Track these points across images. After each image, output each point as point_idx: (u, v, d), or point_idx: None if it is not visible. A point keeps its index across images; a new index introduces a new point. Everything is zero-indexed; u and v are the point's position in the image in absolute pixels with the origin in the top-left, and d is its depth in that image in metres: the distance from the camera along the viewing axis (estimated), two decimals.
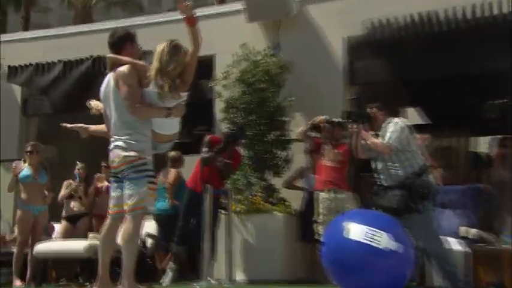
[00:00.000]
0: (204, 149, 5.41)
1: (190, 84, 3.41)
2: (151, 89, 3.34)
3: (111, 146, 3.45)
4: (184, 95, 3.40)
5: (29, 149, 5.87)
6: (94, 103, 3.72)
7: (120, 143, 3.39)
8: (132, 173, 3.36)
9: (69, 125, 3.97)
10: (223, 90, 6.34)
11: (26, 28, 12.47)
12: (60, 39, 8.14)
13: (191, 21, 3.29)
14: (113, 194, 3.50)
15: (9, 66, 7.86)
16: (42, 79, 7.70)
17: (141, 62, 3.43)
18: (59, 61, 7.67)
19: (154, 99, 3.35)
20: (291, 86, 6.40)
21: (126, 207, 3.38)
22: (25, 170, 5.79)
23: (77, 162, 6.69)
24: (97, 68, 7.34)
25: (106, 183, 6.66)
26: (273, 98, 6.22)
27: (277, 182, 6.15)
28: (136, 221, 3.35)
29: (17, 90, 8.17)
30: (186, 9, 3.27)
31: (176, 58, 3.32)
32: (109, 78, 3.48)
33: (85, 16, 11.43)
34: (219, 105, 6.54)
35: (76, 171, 6.63)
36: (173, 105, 3.35)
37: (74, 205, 6.59)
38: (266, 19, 6.86)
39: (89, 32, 7.98)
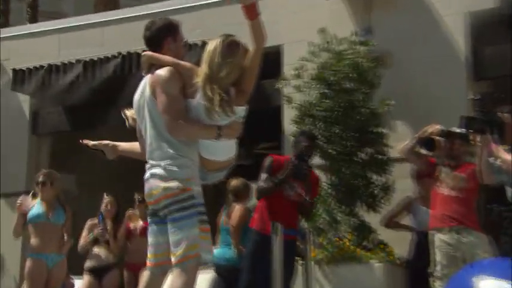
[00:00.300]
0: (263, 175, 5.40)
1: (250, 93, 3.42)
2: (198, 100, 3.38)
3: (147, 174, 3.50)
4: (241, 110, 3.41)
5: (40, 179, 6.06)
6: (131, 112, 3.75)
7: (158, 171, 3.42)
8: (177, 211, 3.37)
9: (91, 142, 3.99)
10: (295, 93, 6.42)
11: (33, 19, 13.21)
12: (79, 31, 8.57)
13: (251, 12, 3.25)
14: (152, 239, 3.53)
15: (14, 70, 8.33)
16: (56, 85, 8.10)
17: (187, 64, 3.47)
18: (78, 61, 8.09)
19: (201, 115, 3.39)
20: (389, 85, 6.40)
21: (172, 258, 3.39)
22: (36, 207, 5.98)
23: (104, 194, 6.98)
24: (127, 68, 7.67)
25: (141, 222, 6.90)
26: (365, 102, 6.23)
27: (373, 218, 6.12)
28: (187, 276, 3.34)
29: (25, 101, 8.62)
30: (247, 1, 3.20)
31: (232, 60, 3.33)
32: (145, 84, 3.54)
33: (109, 1, 11.96)
34: (289, 114, 6.63)
35: (103, 208, 6.92)
36: (225, 123, 3.38)
37: (100, 253, 6.80)
38: None
39: (115, 21, 8.36)
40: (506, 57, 6.53)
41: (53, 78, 8.13)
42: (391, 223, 6.09)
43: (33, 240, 5.94)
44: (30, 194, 6.10)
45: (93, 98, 7.96)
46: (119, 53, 7.84)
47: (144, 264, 7.09)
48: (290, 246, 5.24)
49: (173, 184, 3.39)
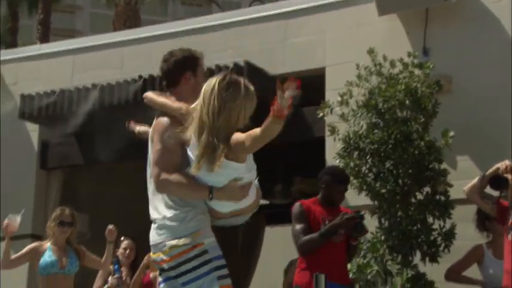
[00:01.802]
0: (298, 226, 5.19)
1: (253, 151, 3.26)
2: (189, 150, 3.30)
3: (152, 227, 3.45)
4: (240, 167, 3.27)
5: (64, 219, 5.87)
6: (142, 129, 3.80)
7: (162, 224, 3.39)
8: (189, 272, 3.32)
9: (138, 128, 3.96)
10: (340, 123, 6.30)
11: (45, 38, 13.36)
12: (95, 52, 8.60)
13: (281, 114, 3.05)
14: None
15: (22, 96, 8.35)
16: (69, 113, 8.10)
17: (175, 106, 3.39)
18: (94, 85, 8.08)
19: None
20: (449, 114, 6.25)
21: None
22: (47, 254, 5.93)
23: (122, 237, 6.87)
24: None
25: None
26: (422, 133, 6.07)
27: (433, 270, 5.91)
28: None
29: (34, 130, 8.63)
30: (285, 100, 2.99)
31: (231, 105, 3.21)
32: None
33: (130, 16, 12.00)
34: (333, 146, 6.50)
35: (119, 253, 6.79)
36: (219, 186, 3.29)
37: None
38: (406, 9, 6.84)
39: (136, 40, 8.38)
40: None
41: (66, 104, 8.13)
42: (456, 277, 5.81)
43: None
44: (18, 215, 5.88)
45: (111, 127, 7.91)
46: (140, 77, 7.83)
47: None
48: None
49: (181, 242, 3.33)
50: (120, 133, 7.91)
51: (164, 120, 3.42)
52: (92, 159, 8.20)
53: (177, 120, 3.39)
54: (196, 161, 3.25)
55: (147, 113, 7.52)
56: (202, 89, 3.31)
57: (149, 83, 7.71)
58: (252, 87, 3.29)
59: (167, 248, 3.36)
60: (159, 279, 3.51)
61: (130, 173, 9.06)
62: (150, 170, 3.47)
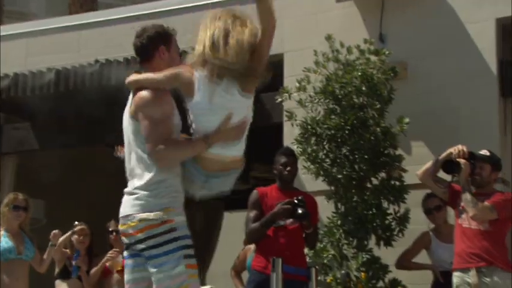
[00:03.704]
0: (251, 214, 5.34)
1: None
2: (201, 92, 3.36)
3: (123, 201, 3.50)
4: (248, 97, 3.42)
5: (18, 203, 5.94)
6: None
7: (134, 199, 3.43)
8: (156, 247, 3.36)
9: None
10: (298, 108, 6.39)
11: None
12: (50, 36, 8.53)
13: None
14: (128, 276, 3.51)
15: None
16: (23, 97, 8.06)
17: (167, 74, 3.44)
18: (49, 69, 8.05)
19: (202, 108, 3.38)
20: (405, 100, 6.37)
21: None
22: (3, 240, 5.87)
23: (76, 222, 6.89)
24: (106, 77, 7.62)
25: (121, 262, 6.79)
26: (378, 119, 6.20)
27: (387, 254, 6.04)
28: None
29: None
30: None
31: (239, 29, 3.31)
32: (129, 102, 3.57)
33: (86, 0, 11.95)
34: (291, 132, 6.58)
35: (75, 238, 6.81)
36: (211, 130, 3.39)
37: None
38: None
39: (93, 24, 8.33)
40: None
41: (20, 89, 8.05)
42: (408, 264, 6.01)
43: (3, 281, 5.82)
44: None
45: (66, 112, 7.89)
46: (97, 61, 7.79)
47: None
48: (295, 287, 5.16)
49: (151, 215, 3.37)
50: (75, 118, 7.96)
51: (145, 93, 3.45)
52: (48, 145, 8.16)
53: (156, 95, 3.43)
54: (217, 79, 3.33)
55: (105, 98, 7.56)
56: (202, 23, 3.42)
57: (106, 67, 7.69)
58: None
59: (136, 220, 3.40)
60: (125, 253, 3.56)
61: (86, 158, 9.09)
62: (135, 146, 3.49)
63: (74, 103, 7.77)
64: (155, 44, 3.58)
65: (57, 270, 6.79)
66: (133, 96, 3.53)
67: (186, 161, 3.49)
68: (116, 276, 6.76)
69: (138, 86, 3.51)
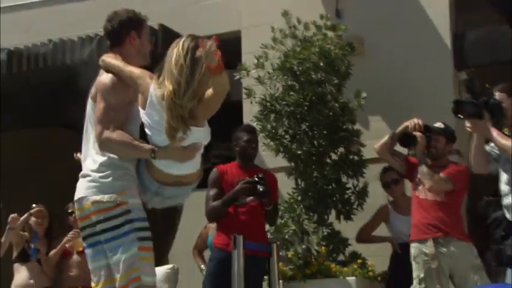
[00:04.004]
0: (211, 192, 5.36)
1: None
2: (152, 111, 3.35)
3: (78, 182, 3.51)
4: (197, 131, 3.36)
5: None
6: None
7: (88, 182, 3.44)
8: (110, 230, 3.38)
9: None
10: (257, 85, 6.41)
11: None
12: (2, 15, 8.38)
13: (217, 70, 3.21)
14: (91, 265, 3.52)
15: None
16: None
17: (135, 72, 3.44)
18: (2, 49, 7.89)
19: (154, 129, 3.36)
20: (362, 76, 6.44)
21: (116, 285, 3.39)
22: None
23: (34, 205, 6.83)
24: (60, 57, 7.51)
25: (81, 242, 6.76)
26: (336, 95, 6.26)
27: (347, 228, 6.14)
28: None
29: None
30: (211, 55, 3.15)
31: (200, 77, 3.26)
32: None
33: None
34: (250, 110, 6.62)
35: (33, 221, 6.75)
36: (162, 145, 3.38)
37: (30, 274, 6.71)
38: None
39: (46, 2, 8.19)
40: (493, 42, 6.63)
41: None
42: (367, 237, 6.12)
43: None
44: None
45: (19, 93, 7.77)
46: (50, 40, 7.68)
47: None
48: (257, 263, 5.22)
49: (105, 198, 3.39)
50: (28, 99, 7.84)
51: (108, 78, 3.47)
52: (3, 126, 8.02)
53: (118, 82, 3.45)
54: (171, 131, 3.30)
55: (57, 78, 7.44)
56: (170, 56, 3.34)
57: (59, 46, 7.59)
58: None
59: (90, 203, 3.42)
60: (84, 243, 3.58)
61: (41, 140, 8.99)
62: (91, 128, 3.51)
63: (28, 84, 7.66)
64: (126, 29, 3.60)
65: (15, 253, 6.74)
66: (99, 77, 3.55)
67: (140, 168, 3.50)
68: (75, 257, 6.74)
69: (106, 68, 3.53)
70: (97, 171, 3.44)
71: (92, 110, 3.53)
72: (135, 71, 3.47)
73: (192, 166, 3.50)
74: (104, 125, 3.39)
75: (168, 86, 3.31)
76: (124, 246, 3.37)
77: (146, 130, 3.45)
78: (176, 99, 3.29)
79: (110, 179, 3.41)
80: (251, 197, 5.23)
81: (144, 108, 3.40)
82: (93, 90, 3.55)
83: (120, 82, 3.46)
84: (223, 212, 5.28)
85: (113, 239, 3.39)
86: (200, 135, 3.42)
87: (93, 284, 3.55)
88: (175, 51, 3.36)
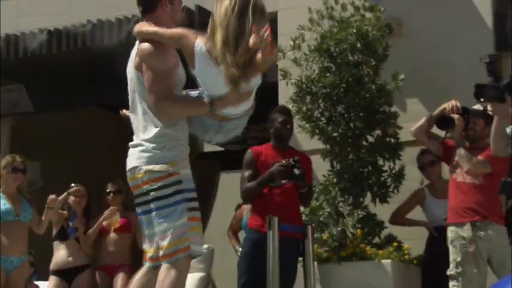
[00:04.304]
0: (245, 173, 5.39)
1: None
2: (210, 67, 3.38)
3: (129, 153, 3.57)
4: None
5: (16, 165, 5.95)
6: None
7: (141, 152, 3.49)
8: (161, 199, 3.43)
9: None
10: (293, 67, 6.41)
11: None
12: None
13: (269, 54, 3.28)
14: (145, 231, 3.58)
15: None
16: (16, 59, 8.04)
17: (174, 33, 3.47)
18: (41, 30, 8.03)
19: (215, 85, 3.41)
20: (399, 57, 6.40)
21: (160, 252, 3.45)
22: (1, 202, 5.95)
23: (72, 184, 6.96)
24: (99, 38, 7.61)
25: (119, 220, 6.88)
26: (373, 77, 6.24)
27: (383, 210, 6.14)
28: (177, 272, 3.38)
29: None
30: (265, 42, 3.22)
31: (250, 28, 3.30)
32: (133, 55, 3.62)
33: None
34: (286, 91, 6.63)
35: (72, 200, 6.87)
36: (219, 97, 3.44)
37: (69, 252, 6.84)
38: None
39: None
40: None
41: (12, 50, 8.04)
42: (402, 220, 6.11)
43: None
44: None
45: (60, 74, 7.89)
46: (89, 21, 7.77)
47: (120, 266, 7.13)
48: (291, 245, 5.25)
49: (157, 168, 3.44)
50: (70, 80, 7.96)
51: (150, 46, 3.49)
52: (42, 107, 8.18)
53: (160, 47, 3.47)
54: (232, 80, 3.36)
55: (97, 59, 7.53)
56: (217, 9, 3.38)
57: (98, 27, 7.68)
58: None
59: (142, 172, 3.48)
60: (137, 210, 3.63)
61: (81, 120, 9.12)
62: (138, 99, 3.54)
63: (67, 64, 7.77)
64: None
65: (54, 231, 6.88)
66: (138, 48, 3.56)
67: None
68: (112, 235, 6.86)
69: (143, 37, 3.55)
70: (149, 141, 3.49)
71: (137, 80, 3.55)
72: (176, 31, 3.50)
73: (246, 106, 3.57)
74: (158, 92, 3.44)
75: (218, 40, 3.35)
76: (174, 215, 3.42)
77: (199, 87, 3.51)
78: (225, 55, 3.33)
79: (162, 149, 3.47)
80: (286, 180, 5.26)
81: (194, 67, 3.44)
82: (135, 59, 3.57)
83: (162, 47, 3.49)
84: (258, 193, 5.32)
85: (163, 207, 3.44)
86: (254, 81, 3.48)
87: (148, 248, 3.60)
88: (224, 5, 3.39)
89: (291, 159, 5.21)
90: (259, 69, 3.37)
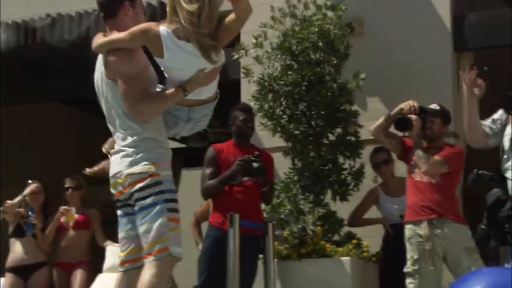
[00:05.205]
0: (207, 171, 5.48)
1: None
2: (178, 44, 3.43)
3: (111, 159, 3.65)
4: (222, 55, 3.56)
5: None
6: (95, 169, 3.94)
7: (122, 154, 3.56)
8: (141, 199, 3.51)
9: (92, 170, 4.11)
10: (255, 65, 6.48)
11: None
12: None
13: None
14: (123, 234, 3.65)
15: None
16: None
17: (132, 33, 3.50)
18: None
19: (186, 60, 3.47)
20: (361, 56, 6.52)
21: (143, 252, 3.52)
22: None
23: (29, 181, 6.93)
24: (58, 33, 7.59)
25: (75, 216, 6.88)
26: (335, 75, 6.33)
27: (343, 208, 6.25)
28: (157, 273, 3.44)
29: None
30: None
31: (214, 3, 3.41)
32: (100, 62, 3.67)
33: None
34: (248, 89, 6.69)
35: (29, 196, 6.85)
36: (187, 78, 3.51)
37: (25, 248, 6.82)
38: None
39: None
40: (493, 25, 6.71)
41: None
42: (358, 221, 6.22)
43: None
44: None
45: (18, 68, 7.83)
46: (48, 15, 7.74)
47: (78, 263, 7.12)
48: (252, 242, 5.33)
49: (138, 169, 3.52)
50: (26, 74, 7.89)
51: (114, 54, 3.54)
52: (2, 101, 8.10)
53: (123, 54, 3.52)
54: (204, 53, 3.46)
55: (56, 53, 7.49)
56: None
57: (58, 21, 7.65)
58: None
59: (123, 177, 3.55)
60: (118, 212, 3.70)
61: (39, 114, 9.06)
62: (115, 107, 3.60)
63: (27, 58, 7.73)
64: (119, 1, 3.64)
65: (11, 229, 6.86)
66: (104, 59, 3.61)
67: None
68: (71, 232, 6.86)
69: (107, 49, 3.59)
70: (129, 146, 3.56)
71: (111, 90, 3.60)
72: (136, 29, 3.55)
73: (212, 90, 3.67)
74: (132, 96, 3.49)
75: (182, 17, 3.43)
76: (154, 216, 3.48)
77: (167, 74, 3.59)
78: (195, 27, 3.41)
79: (142, 152, 3.54)
80: (247, 177, 5.33)
81: (162, 56, 3.51)
82: (104, 71, 3.61)
83: (128, 51, 3.54)
84: (219, 191, 5.40)
85: (143, 208, 3.51)
86: (221, 57, 3.58)
87: (120, 252, 3.69)
88: None
89: (250, 155, 5.29)
90: (238, 21, 3.49)
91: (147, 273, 3.44)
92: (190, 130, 3.79)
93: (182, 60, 3.53)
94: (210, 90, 3.68)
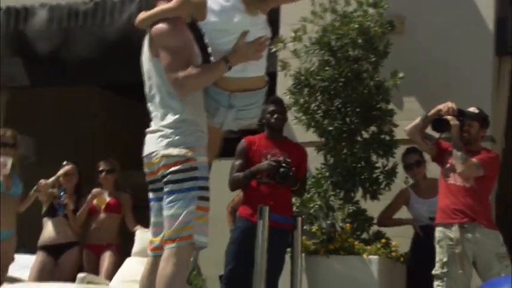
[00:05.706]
0: (236, 162, 5.48)
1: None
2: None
3: (146, 138, 3.57)
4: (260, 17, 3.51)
5: (4, 139, 5.95)
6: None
7: (158, 137, 3.48)
8: (174, 183, 3.41)
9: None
10: (293, 59, 6.46)
11: None
12: None
13: None
14: (153, 218, 3.59)
15: None
16: (15, 32, 8.06)
17: (172, 5, 3.49)
18: (42, 5, 8.04)
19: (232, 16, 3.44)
20: (400, 55, 6.46)
21: (164, 237, 3.44)
22: None
23: (64, 162, 7.01)
24: (100, 16, 7.64)
25: (108, 199, 6.95)
26: (372, 73, 6.29)
27: (373, 207, 6.22)
28: (177, 260, 3.36)
29: None
30: None
31: None
32: (145, 44, 3.63)
33: None
34: (284, 83, 6.68)
35: (62, 177, 6.93)
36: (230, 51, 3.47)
37: (57, 228, 6.92)
38: None
39: None
40: None
41: (12, 23, 8.07)
42: (387, 221, 6.18)
43: None
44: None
45: (58, 50, 7.91)
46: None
47: (107, 245, 7.22)
48: (280, 235, 5.32)
49: (175, 152, 3.43)
50: (69, 56, 7.98)
51: (159, 26, 3.51)
52: (39, 82, 8.21)
53: (168, 25, 3.49)
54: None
55: (96, 37, 7.56)
56: None
57: (100, 4, 7.71)
58: None
59: (159, 157, 3.46)
60: (150, 195, 3.63)
61: (77, 97, 9.16)
62: (156, 85, 3.55)
63: (67, 41, 7.80)
64: None
65: (44, 208, 6.95)
66: (149, 36, 3.58)
67: (209, 89, 3.58)
68: (102, 215, 6.93)
69: (151, 22, 3.56)
70: (168, 126, 3.48)
71: (154, 67, 3.56)
72: (172, 5, 3.52)
73: (260, 68, 3.61)
74: (174, 70, 3.43)
75: None
76: (183, 201, 3.40)
77: (210, 45, 3.55)
78: None
79: (181, 134, 3.45)
80: (270, 179, 5.31)
81: (204, 18, 3.49)
82: (150, 47, 3.57)
83: (173, 24, 3.50)
84: (245, 184, 5.42)
85: (174, 192, 3.42)
86: (261, 22, 3.53)
87: (151, 237, 3.62)
88: None
89: (282, 159, 5.28)
90: None
91: (168, 263, 3.36)
92: (236, 120, 3.70)
93: (226, 16, 3.47)
94: (256, 69, 3.60)
